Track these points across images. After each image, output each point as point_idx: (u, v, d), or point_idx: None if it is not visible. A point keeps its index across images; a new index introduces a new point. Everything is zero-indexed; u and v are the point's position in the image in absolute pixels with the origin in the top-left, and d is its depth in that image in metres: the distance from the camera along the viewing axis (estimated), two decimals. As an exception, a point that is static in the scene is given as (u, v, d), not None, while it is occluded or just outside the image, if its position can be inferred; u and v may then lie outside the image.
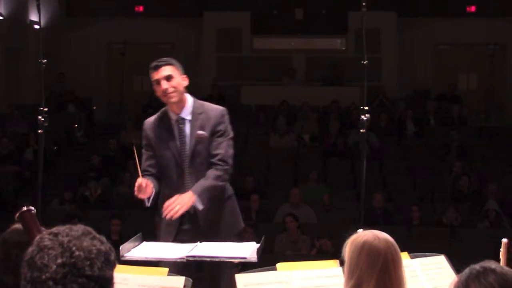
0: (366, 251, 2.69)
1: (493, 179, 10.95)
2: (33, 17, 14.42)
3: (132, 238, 3.85)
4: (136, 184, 4.04)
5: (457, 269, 2.97)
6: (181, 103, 4.31)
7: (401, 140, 13.15)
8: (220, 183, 4.26)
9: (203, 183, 4.19)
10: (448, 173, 11.51)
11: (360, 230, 2.90)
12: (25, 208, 2.39)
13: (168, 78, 4.27)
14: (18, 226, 2.56)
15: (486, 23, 15.50)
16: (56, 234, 1.83)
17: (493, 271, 2.10)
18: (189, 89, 4.40)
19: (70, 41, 16.16)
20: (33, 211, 2.40)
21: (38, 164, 4.91)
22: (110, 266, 1.84)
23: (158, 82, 4.29)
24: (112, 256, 1.86)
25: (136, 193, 4.07)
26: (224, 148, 4.28)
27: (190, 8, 16.17)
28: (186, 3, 16.21)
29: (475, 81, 16.35)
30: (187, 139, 4.30)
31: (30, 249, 1.82)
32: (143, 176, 4.13)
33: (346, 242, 2.78)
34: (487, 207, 10.20)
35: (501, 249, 2.98)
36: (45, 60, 4.87)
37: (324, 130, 13.66)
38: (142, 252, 3.76)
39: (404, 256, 3.04)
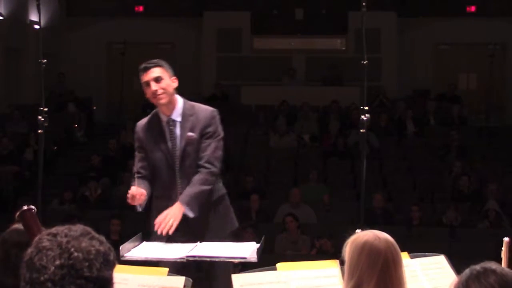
0: (367, 251, 2.69)
1: (493, 179, 10.94)
2: (33, 17, 14.42)
3: (132, 238, 3.85)
4: (129, 194, 4.04)
5: (457, 269, 2.97)
6: (171, 104, 4.30)
7: (401, 140, 13.14)
8: (207, 187, 4.22)
9: (190, 190, 4.17)
10: (448, 173, 11.50)
11: (358, 230, 2.90)
12: (25, 207, 2.39)
13: (157, 79, 4.26)
14: (17, 226, 2.56)
15: (486, 23, 15.49)
16: (55, 235, 1.82)
17: (493, 271, 2.10)
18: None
19: (70, 41, 16.16)
20: (33, 210, 2.40)
21: (38, 164, 4.90)
22: (109, 266, 1.83)
23: (147, 83, 4.29)
24: (111, 256, 1.85)
25: (129, 201, 4.08)
26: (211, 150, 4.26)
27: (190, 8, 16.16)
28: (186, 3, 16.20)
29: (475, 81, 16.34)
30: (178, 141, 4.29)
31: (29, 250, 1.82)
32: (135, 178, 4.13)
33: (346, 242, 2.77)
34: (487, 207, 10.19)
35: (502, 248, 2.98)
36: (45, 60, 4.86)
37: (324, 130, 13.65)
38: (142, 252, 3.76)
39: (404, 256, 3.04)
